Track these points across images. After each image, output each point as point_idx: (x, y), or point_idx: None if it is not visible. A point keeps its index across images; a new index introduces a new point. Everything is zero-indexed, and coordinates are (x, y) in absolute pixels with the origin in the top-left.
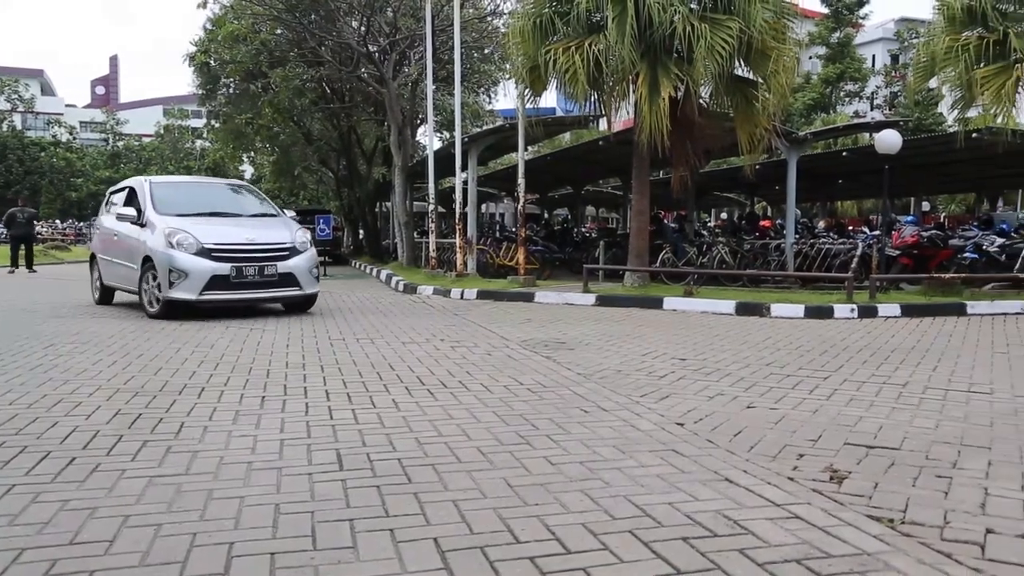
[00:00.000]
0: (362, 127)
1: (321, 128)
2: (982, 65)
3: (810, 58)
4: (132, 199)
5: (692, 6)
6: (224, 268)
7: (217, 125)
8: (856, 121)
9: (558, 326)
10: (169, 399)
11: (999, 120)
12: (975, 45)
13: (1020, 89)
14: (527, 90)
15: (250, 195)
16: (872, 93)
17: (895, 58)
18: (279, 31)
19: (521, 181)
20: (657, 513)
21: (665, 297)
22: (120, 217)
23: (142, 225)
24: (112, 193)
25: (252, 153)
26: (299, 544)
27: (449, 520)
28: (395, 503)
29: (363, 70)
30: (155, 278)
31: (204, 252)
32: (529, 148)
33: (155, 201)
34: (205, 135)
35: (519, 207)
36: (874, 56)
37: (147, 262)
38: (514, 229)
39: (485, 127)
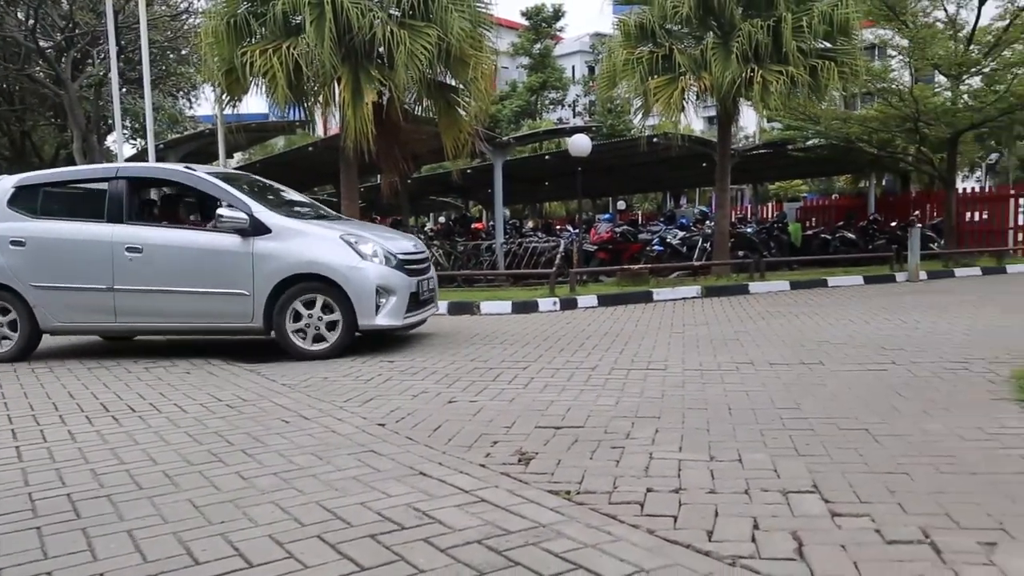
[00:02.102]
0: (39, 133)
1: None
2: (655, 77)
3: (517, 67)
4: (145, 200)
5: (392, 12)
6: (414, 284)
7: None
8: (553, 127)
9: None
10: None
11: (680, 127)
12: (647, 59)
13: (686, 100)
14: (224, 94)
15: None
16: (573, 101)
17: (592, 69)
18: None
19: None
20: (348, 514)
21: None
22: (221, 223)
23: (246, 233)
24: (39, 187)
25: None
26: None
27: (120, 552)
28: (57, 543)
29: (37, 68)
30: (311, 305)
31: (399, 265)
32: (240, 155)
33: (250, 199)
34: None
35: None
36: (574, 67)
37: (291, 284)
38: None
39: (186, 133)
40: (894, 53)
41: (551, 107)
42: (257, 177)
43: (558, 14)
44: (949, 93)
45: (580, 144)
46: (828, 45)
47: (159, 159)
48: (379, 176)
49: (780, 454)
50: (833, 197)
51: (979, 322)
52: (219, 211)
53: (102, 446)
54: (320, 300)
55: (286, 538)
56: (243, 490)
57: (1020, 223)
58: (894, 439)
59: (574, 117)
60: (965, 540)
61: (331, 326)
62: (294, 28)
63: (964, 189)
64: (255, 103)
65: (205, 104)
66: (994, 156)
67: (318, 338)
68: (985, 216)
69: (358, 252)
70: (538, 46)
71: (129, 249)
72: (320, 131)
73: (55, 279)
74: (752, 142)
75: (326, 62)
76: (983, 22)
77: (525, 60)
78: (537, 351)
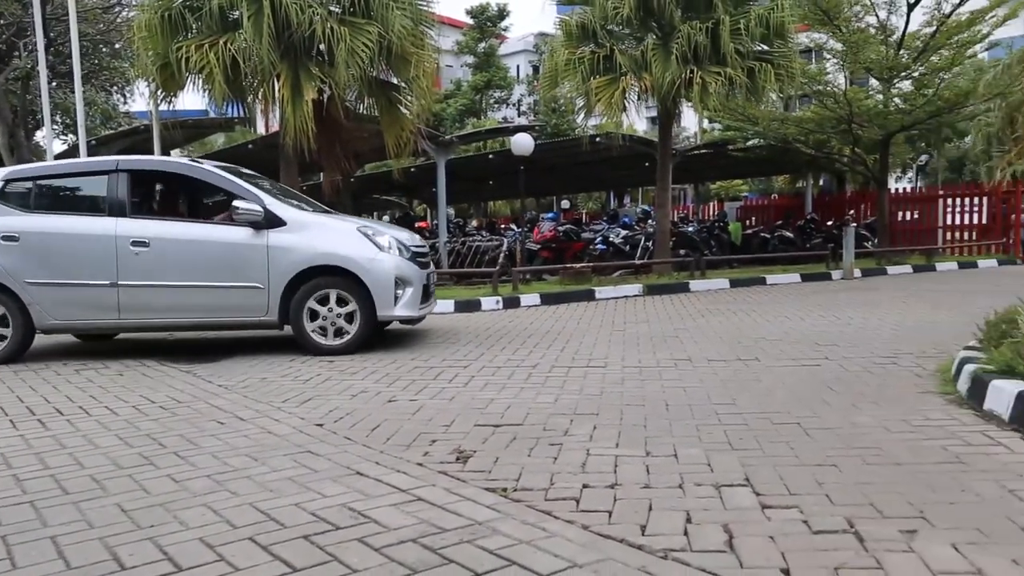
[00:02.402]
0: None
1: None
2: (596, 77)
3: (462, 66)
4: (147, 192)
5: (332, 8)
6: (424, 275)
7: None
8: (497, 126)
9: (207, 337)
10: None
11: (622, 127)
12: (589, 59)
13: (628, 100)
14: (159, 90)
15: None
16: (518, 100)
17: (536, 68)
18: None
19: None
20: (282, 516)
21: None
22: (237, 215)
23: (259, 226)
24: (31, 180)
25: None
26: None
27: (42, 559)
28: None
29: None
30: (328, 299)
31: (412, 257)
32: (177, 152)
33: (261, 191)
34: None
35: None
36: (518, 66)
37: (307, 277)
38: None
39: (120, 129)
40: (829, 56)
41: (496, 106)
42: (250, 171)
43: (503, 13)
44: (881, 96)
45: (522, 143)
46: (765, 48)
47: (91, 155)
48: (321, 175)
49: (714, 449)
50: (772, 197)
51: (908, 318)
52: (235, 204)
53: (26, 451)
54: (338, 293)
55: (217, 541)
56: (174, 493)
57: (948, 222)
58: (824, 432)
59: (519, 116)
60: (888, 529)
61: (349, 319)
62: (231, 23)
63: (896, 189)
64: (194, 99)
65: (140, 100)
66: (924, 157)
67: (337, 332)
68: (916, 216)
69: (376, 244)
70: (483, 45)
71: (135, 243)
72: (261, 128)
73: (53, 276)
74: (693, 142)
75: (264, 58)
76: (912, 28)
77: (470, 59)
78: (479, 350)
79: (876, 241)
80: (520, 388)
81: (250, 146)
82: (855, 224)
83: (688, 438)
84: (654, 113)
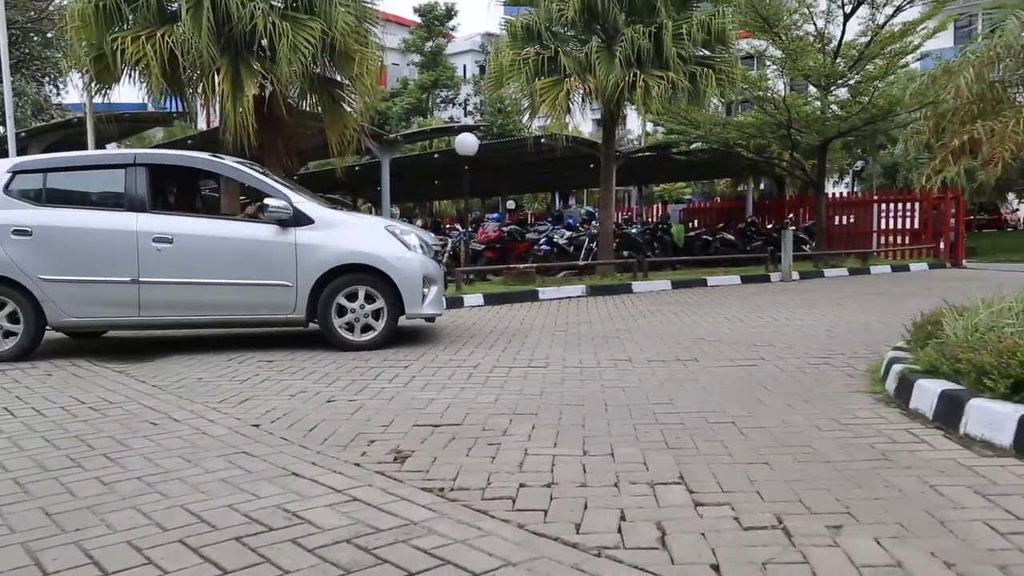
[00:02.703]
0: None
1: None
2: (541, 78)
3: (408, 65)
4: (154, 188)
5: (274, 3)
6: (442, 274)
7: None
8: (441, 125)
9: (142, 336)
10: None
11: (567, 128)
12: (534, 60)
13: (572, 101)
14: (93, 82)
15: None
16: (464, 100)
17: (482, 68)
18: None
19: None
20: (213, 517)
21: None
22: (268, 213)
23: (286, 224)
24: (41, 172)
25: None
26: None
27: None
28: None
29: None
30: (355, 296)
31: (434, 256)
32: (113, 147)
33: (287, 188)
34: None
35: None
36: (465, 66)
37: (334, 275)
38: None
39: (52, 121)
40: (769, 63)
41: (442, 105)
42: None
43: (451, 13)
44: (819, 103)
45: (467, 143)
46: (707, 53)
47: (20, 149)
48: None
49: (651, 447)
50: (715, 200)
51: (843, 320)
52: (266, 201)
53: None
54: (365, 291)
55: (146, 544)
56: (102, 496)
57: (882, 227)
58: (758, 431)
59: (465, 116)
60: (815, 524)
61: (376, 316)
62: (169, 15)
63: (833, 194)
64: (130, 92)
65: (74, 91)
66: (860, 163)
67: (363, 328)
68: (852, 220)
69: (403, 243)
70: (430, 44)
71: (157, 239)
72: (201, 123)
73: (69, 272)
74: (637, 145)
75: (204, 52)
76: (848, 37)
77: (417, 57)
78: (420, 349)
79: (814, 244)
80: (460, 388)
81: (189, 141)
82: (794, 227)
83: (625, 437)
84: (599, 115)
